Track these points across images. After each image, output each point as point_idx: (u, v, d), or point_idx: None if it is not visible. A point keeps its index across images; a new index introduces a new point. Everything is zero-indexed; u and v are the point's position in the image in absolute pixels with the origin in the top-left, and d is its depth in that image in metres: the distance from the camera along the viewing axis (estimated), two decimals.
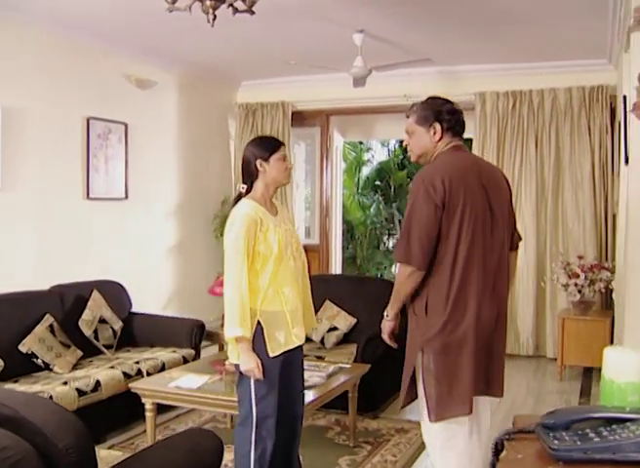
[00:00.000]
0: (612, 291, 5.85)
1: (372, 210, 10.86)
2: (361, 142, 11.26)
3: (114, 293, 5.07)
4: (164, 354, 4.73)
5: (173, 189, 6.80)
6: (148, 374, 4.38)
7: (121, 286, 5.19)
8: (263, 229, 2.83)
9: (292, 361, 2.95)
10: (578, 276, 5.57)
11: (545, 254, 6.45)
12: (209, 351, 5.75)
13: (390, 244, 11.51)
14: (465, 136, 7.33)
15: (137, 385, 3.71)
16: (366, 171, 11.60)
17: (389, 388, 5.02)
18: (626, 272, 3.35)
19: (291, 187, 7.43)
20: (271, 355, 2.84)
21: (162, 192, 6.64)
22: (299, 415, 3.11)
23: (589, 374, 5.83)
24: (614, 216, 6.22)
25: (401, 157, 11.32)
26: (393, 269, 11.36)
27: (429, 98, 2.87)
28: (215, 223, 7.23)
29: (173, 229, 6.79)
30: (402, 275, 2.68)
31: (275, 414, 2.88)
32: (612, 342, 5.47)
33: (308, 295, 3.10)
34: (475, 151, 6.77)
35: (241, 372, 2.87)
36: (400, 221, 11.10)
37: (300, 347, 2.99)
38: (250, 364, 2.81)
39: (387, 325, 2.87)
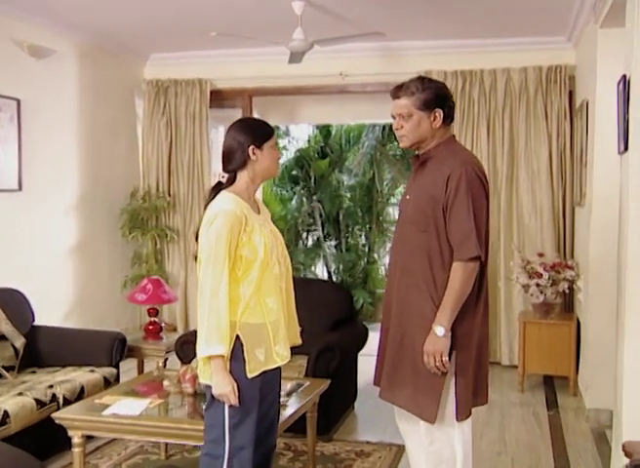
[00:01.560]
0: (574, 291, 5.98)
1: (293, 203, 10.73)
2: (277, 127, 11.10)
3: (13, 304, 4.71)
4: (81, 374, 4.42)
5: (73, 179, 6.41)
6: (66, 400, 4.08)
7: (21, 294, 4.83)
8: (248, 230, 2.70)
9: (269, 382, 2.82)
10: (540, 276, 5.64)
11: (499, 252, 6.51)
12: (123, 367, 5.45)
13: (310, 241, 11.42)
14: None
15: (62, 415, 3.42)
16: (281, 159, 11.47)
17: (341, 406, 4.93)
18: (626, 272, 3.37)
19: (209, 178, 7.19)
20: (250, 376, 2.70)
21: (61, 182, 6.24)
22: (272, 445, 2.99)
23: (550, 383, 5.93)
24: (573, 210, 6.37)
25: (322, 144, 11.24)
26: (313, 269, 11.29)
27: (426, 79, 2.91)
28: (122, 219, 6.93)
29: (74, 226, 6.40)
30: (470, 272, 2.77)
31: (252, 445, 2.75)
32: (578, 348, 5.58)
33: (292, 307, 2.98)
34: None
35: (213, 395, 2.71)
36: (321, 215, 11.04)
37: (279, 367, 2.86)
38: (225, 387, 2.65)
39: (444, 343, 2.76)
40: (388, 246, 10.93)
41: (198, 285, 2.70)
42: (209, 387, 2.72)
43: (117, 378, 4.62)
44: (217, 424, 2.75)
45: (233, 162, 2.79)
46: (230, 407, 2.70)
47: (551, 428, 4.88)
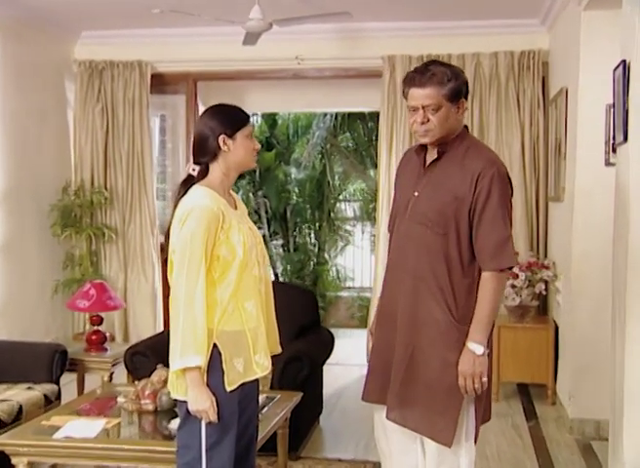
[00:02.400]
0: (548, 293, 6.03)
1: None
2: None
3: None
4: (18, 392, 4.23)
5: None
6: (2, 423, 3.88)
7: None
8: (226, 227, 2.67)
9: (247, 396, 2.79)
10: (516, 276, 5.67)
11: None
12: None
13: None
14: (370, 108, 7.51)
15: (4, 440, 3.27)
16: None
17: (308, 421, 4.87)
18: (627, 271, 3.39)
19: (151, 171, 7.02)
20: (229, 389, 2.66)
21: None
22: (251, 466, 2.94)
23: (525, 392, 5.98)
24: (547, 205, 6.43)
25: (267, 135, 11.15)
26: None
27: (450, 66, 2.85)
28: (52, 217, 6.71)
29: None
30: (503, 283, 2.82)
31: (231, 467, 2.70)
32: (556, 353, 5.62)
33: (272, 312, 2.97)
34: (383, 128, 6.73)
35: (188, 412, 2.65)
36: (267, 212, 10.94)
37: (257, 379, 2.83)
38: (204, 403, 2.60)
39: (484, 363, 2.74)
40: (340, 245, 10.91)
41: (171, 289, 2.65)
42: (183, 403, 2.66)
43: (58, 396, 4.45)
44: (192, 445, 2.69)
45: (204, 152, 2.75)
46: (208, 424, 2.64)
47: (533, 440, 4.90)
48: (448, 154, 2.82)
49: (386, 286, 2.98)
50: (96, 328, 4.93)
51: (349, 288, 10.79)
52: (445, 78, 2.71)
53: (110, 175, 7.03)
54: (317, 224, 10.95)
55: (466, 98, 2.85)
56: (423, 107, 2.72)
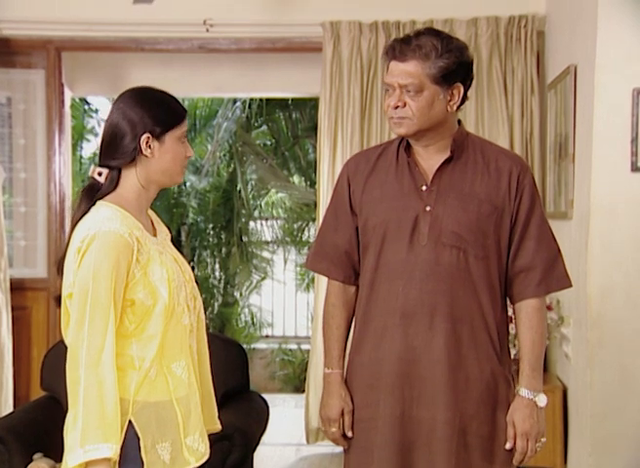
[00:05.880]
0: (548, 342, 6.01)
1: None
2: (85, 100, 10.93)
3: None
4: None
5: None
6: None
7: None
8: (143, 261, 2.65)
9: None
10: (510, 320, 5.62)
11: None
12: None
13: None
14: (304, 93, 7.48)
15: None
16: (90, 146, 11.43)
17: None
18: None
19: None
20: None
21: None
22: None
23: None
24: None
25: None
26: None
27: (445, 36, 2.88)
28: None
29: None
30: (546, 310, 3.15)
31: None
32: (565, 427, 5.59)
33: (208, 376, 2.94)
34: (324, 121, 6.66)
35: None
36: None
37: None
38: None
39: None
40: (255, 279, 10.88)
41: (68, 348, 2.58)
42: None
43: None
44: None
45: (115, 152, 2.69)
46: None
47: None
48: (461, 153, 2.92)
49: (384, 336, 2.96)
50: None
51: (268, 337, 10.83)
52: (434, 52, 2.78)
53: None
54: (223, 251, 10.95)
55: (465, 85, 2.90)
56: (401, 87, 2.81)
